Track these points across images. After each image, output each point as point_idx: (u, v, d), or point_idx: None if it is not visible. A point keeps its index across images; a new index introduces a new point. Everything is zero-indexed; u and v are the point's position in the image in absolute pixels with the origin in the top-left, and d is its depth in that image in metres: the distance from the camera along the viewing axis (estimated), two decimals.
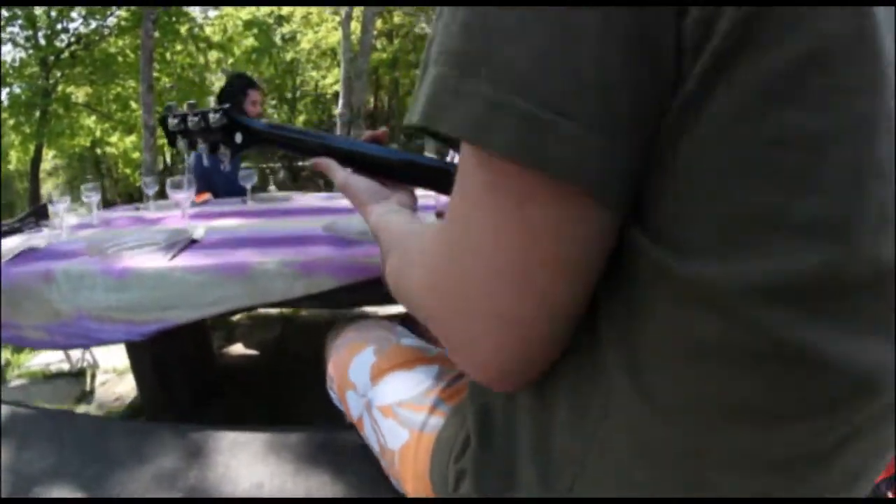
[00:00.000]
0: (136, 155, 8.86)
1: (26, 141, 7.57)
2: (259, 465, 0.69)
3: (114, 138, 8.33)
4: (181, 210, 1.18)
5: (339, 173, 0.58)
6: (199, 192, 1.90)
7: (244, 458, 0.70)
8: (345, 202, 1.61)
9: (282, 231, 1.01)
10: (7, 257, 0.85)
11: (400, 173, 0.60)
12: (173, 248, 0.84)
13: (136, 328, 0.78)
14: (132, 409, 1.45)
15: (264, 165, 15.04)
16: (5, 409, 0.76)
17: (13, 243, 0.95)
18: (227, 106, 0.64)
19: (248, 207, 1.50)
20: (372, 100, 12.37)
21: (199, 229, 0.98)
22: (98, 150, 8.93)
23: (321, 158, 0.60)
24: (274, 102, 11.94)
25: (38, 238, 1.07)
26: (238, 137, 0.64)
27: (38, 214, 1.91)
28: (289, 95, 12.36)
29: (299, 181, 15.03)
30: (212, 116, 0.62)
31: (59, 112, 7.38)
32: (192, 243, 0.90)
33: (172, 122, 0.64)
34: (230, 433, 0.74)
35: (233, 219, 1.26)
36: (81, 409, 1.49)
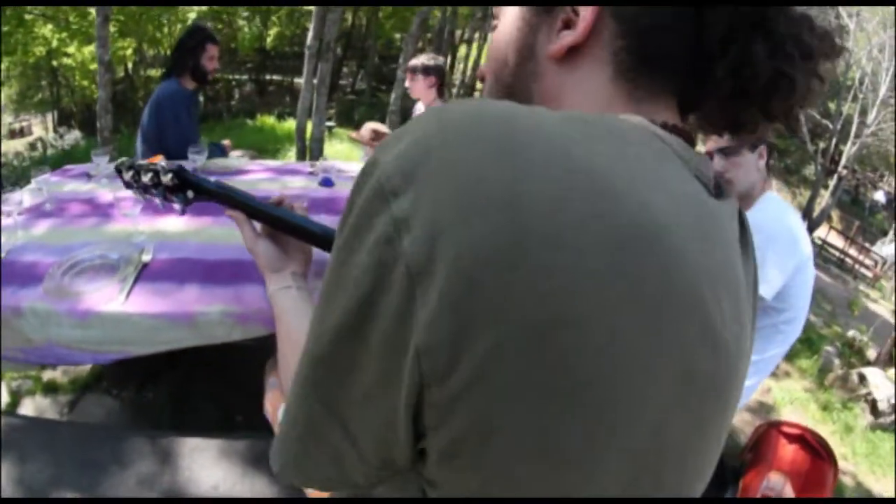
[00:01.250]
0: (94, 66, 8.19)
1: None
2: (214, 469, 0.87)
3: (71, 48, 7.58)
4: (128, 216, 1.21)
5: (248, 234, 0.68)
6: (152, 154, 1.92)
7: (204, 462, 0.89)
8: (293, 183, 1.67)
9: (225, 249, 1.10)
10: None
11: (324, 246, 0.68)
12: (126, 280, 0.94)
13: (102, 356, 0.91)
14: (94, 376, 1.59)
15: (230, 77, 14.08)
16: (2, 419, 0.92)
17: None
18: (177, 165, 0.69)
19: None
20: (350, 18, 11.31)
21: (146, 251, 1.06)
22: (54, 62, 8.16)
23: (236, 212, 0.69)
24: (246, 14, 10.86)
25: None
26: (190, 193, 0.71)
27: None
28: (263, 8, 11.22)
29: (265, 95, 14.28)
30: (163, 177, 0.69)
31: (11, 30, 6.56)
32: (143, 268, 1.00)
33: (126, 175, 0.70)
34: (191, 439, 0.92)
35: (180, 217, 1.32)
36: (47, 374, 1.60)
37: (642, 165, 0.26)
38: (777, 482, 1.57)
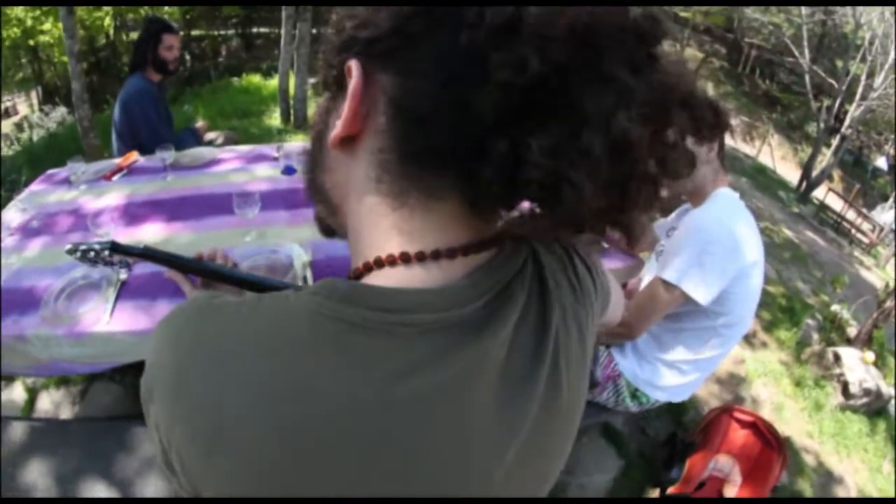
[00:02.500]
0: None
1: None
2: None
3: (47, 25, 7.29)
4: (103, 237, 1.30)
5: (187, 289, 0.76)
6: (127, 150, 1.99)
7: None
8: (259, 173, 1.80)
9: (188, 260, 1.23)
10: None
11: (246, 287, 0.78)
12: (108, 300, 1.10)
13: (98, 366, 1.10)
14: None
15: (216, 33, 13.49)
16: (24, 424, 1.11)
17: None
18: (110, 242, 0.82)
19: (169, 188, 1.67)
20: None
21: (123, 269, 1.19)
22: (31, 41, 7.85)
23: (174, 273, 0.78)
24: None
25: None
26: (129, 259, 0.84)
27: None
28: None
29: (253, 49, 13.72)
30: (102, 253, 0.82)
31: None
32: (122, 285, 1.15)
33: (76, 255, 0.83)
34: None
35: (153, 224, 1.45)
36: None
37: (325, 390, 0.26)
38: (725, 464, 1.60)
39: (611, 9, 0.25)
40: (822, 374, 2.78)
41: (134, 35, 12.09)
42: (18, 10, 6.63)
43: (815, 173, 10.25)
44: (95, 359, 1.07)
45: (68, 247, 0.83)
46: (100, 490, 1.04)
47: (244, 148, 2.14)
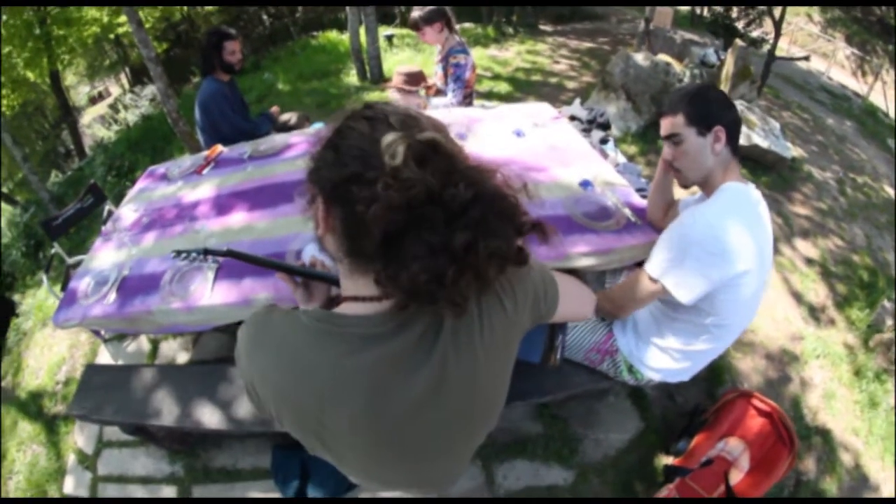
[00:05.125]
0: (149, 23, 8.61)
1: (35, 67, 6.89)
2: None
3: (122, 18, 8.05)
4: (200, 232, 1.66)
5: (291, 286, 0.91)
6: (213, 143, 2.30)
7: None
8: None
9: (266, 243, 1.55)
10: (108, 291, 1.47)
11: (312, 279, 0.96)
12: (208, 280, 1.44)
13: (204, 326, 1.47)
14: None
15: None
16: (151, 369, 1.53)
17: (103, 266, 1.56)
18: (202, 248, 1.07)
19: (250, 179, 1.92)
20: None
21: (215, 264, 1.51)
22: (111, 35, 8.66)
23: (282, 275, 0.92)
24: None
25: (121, 255, 1.61)
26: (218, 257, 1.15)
27: (94, 194, 2.43)
28: None
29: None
30: (198, 257, 1.09)
31: (61, 33, 6.75)
32: (218, 268, 1.48)
33: (181, 257, 1.09)
34: None
35: (238, 213, 1.73)
36: None
37: (319, 352, 0.59)
38: (735, 448, 1.56)
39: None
40: (886, 367, 2.41)
41: (208, 7, 12.72)
42: (94, 11, 7.25)
43: None
44: (204, 322, 1.44)
45: (173, 252, 1.10)
46: (208, 412, 1.44)
47: (315, 128, 2.33)
